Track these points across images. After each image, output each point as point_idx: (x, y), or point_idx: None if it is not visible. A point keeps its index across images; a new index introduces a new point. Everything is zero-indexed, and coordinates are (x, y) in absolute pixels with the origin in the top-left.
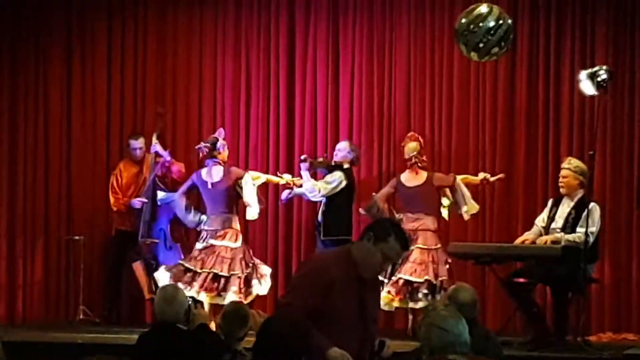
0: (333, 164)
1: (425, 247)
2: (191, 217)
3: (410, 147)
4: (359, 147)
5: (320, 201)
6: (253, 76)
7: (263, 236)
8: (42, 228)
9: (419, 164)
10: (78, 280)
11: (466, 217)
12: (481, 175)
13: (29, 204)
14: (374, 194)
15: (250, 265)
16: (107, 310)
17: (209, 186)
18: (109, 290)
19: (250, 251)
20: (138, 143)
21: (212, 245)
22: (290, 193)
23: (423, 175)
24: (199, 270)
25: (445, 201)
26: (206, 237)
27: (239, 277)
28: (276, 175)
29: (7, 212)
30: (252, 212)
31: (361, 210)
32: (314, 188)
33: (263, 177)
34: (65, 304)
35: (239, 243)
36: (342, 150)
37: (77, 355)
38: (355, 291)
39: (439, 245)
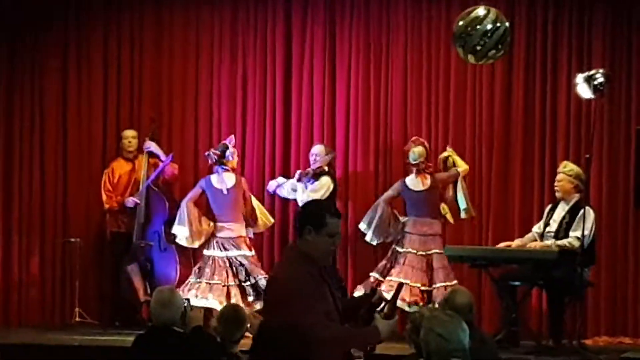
0: (317, 170)
1: (438, 251)
2: (203, 227)
3: (417, 152)
4: (333, 150)
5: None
6: (249, 81)
7: (257, 243)
8: (38, 230)
9: (426, 170)
10: (74, 283)
11: (464, 215)
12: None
13: (25, 206)
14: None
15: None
16: (121, 315)
17: (225, 192)
18: (113, 293)
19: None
20: (130, 133)
21: (233, 257)
22: (276, 188)
23: (428, 178)
24: (226, 284)
25: (444, 209)
26: (219, 246)
27: (252, 285)
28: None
29: (2, 214)
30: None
31: None
32: (307, 199)
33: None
34: (61, 306)
35: (253, 251)
36: (320, 154)
37: (73, 358)
38: (325, 285)
39: (442, 250)
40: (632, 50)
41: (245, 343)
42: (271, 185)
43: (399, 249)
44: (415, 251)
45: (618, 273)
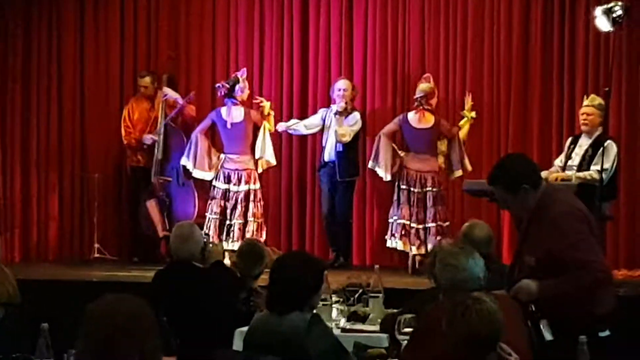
0: (346, 106)
1: (435, 189)
2: (213, 160)
3: (420, 87)
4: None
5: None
6: (266, 17)
7: (277, 178)
8: (56, 166)
9: (424, 107)
10: (92, 219)
11: (454, 176)
12: (464, 118)
13: (43, 142)
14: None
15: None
16: (140, 250)
17: (228, 126)
18: (132, 229)
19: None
20: (144, 82)
21: (234, 192)
22: (288, 129)
23: (431, 118)
24: (231, 222)
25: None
26: (224, 178)
27: (257, 222)
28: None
29: (20, 150)
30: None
31: None
32: (344, 134)
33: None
34: (79, 242)
35: (257, 185)
36: (347, 89)
37: (92, 293)
38: None
39: (442, 187)
40: None
41: (265, 278)
42: (280, 126)
43: (401, 186)
44: (412, 188)
45: (637, 207)
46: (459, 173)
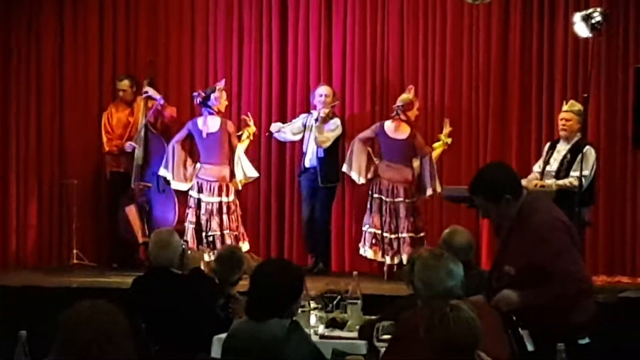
0: (328, 112)
1: (407, 200)
2: (189, 171)
3: (400, 97)
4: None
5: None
6: (245, 22)
7: (256, 185)
8: (35, 172)
9: (401, 117)
10: (71, 224)
11: (425, 196)
12: (440, 141)
13: (22, 148)
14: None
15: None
16: (119, 256)
17: (204, 136)
18: (111, 235)
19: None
20: (122, 85)
21: (206, 203)
22: (278, 134)
23: (407, 129)
24: (211, 234)
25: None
26: (198, 187)
27: (234, 234)
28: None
29: None
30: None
31: None
32: (324, 140)
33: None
34: (58, 248)
35: (232, 197)
36: (329, 94)
37: (71, 300)
38: None
39: (415, 198)
40: None
41: (244, 284)
42: (274, 127)
43: (373, 194)
44: (384, 197)
45: (616, 213)
46: (429, 192)
